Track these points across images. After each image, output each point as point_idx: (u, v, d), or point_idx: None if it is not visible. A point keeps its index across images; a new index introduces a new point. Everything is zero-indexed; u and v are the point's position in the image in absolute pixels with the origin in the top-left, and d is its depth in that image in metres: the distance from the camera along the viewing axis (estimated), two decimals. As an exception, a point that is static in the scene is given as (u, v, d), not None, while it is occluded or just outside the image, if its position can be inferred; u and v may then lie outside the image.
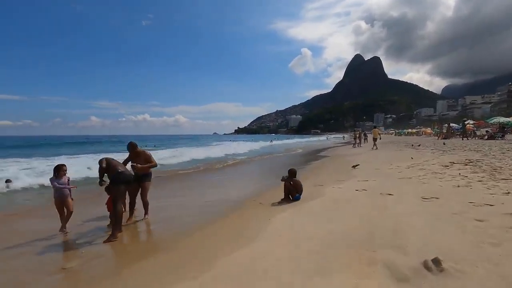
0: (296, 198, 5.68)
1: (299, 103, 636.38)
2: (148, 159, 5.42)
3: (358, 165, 9.75)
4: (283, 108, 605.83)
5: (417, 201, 4.45)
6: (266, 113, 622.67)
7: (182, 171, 12.37)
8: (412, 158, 10.54)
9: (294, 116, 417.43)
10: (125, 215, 5.50)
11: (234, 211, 5.38)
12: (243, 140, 67.35)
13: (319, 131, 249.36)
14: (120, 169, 4.56)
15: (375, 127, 23.22)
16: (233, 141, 65.40)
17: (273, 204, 5.56)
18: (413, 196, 4.77)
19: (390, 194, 5.07)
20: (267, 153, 24.23)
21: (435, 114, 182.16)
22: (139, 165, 5.23)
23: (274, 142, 50.83)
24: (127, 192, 4.97)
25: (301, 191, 5.76)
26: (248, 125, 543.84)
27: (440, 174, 6.48)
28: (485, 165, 7.08)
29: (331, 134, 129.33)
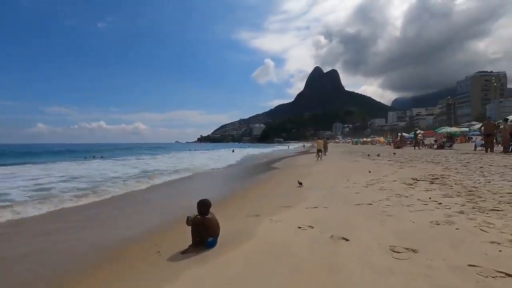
0: (209, 245, 3.70)
1: (262, 112, 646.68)
2: None
3: (301, 184, 8.07)
4: (246, 117, 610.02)
5: (386, 256, 2.75)
6: (230, 122, 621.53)
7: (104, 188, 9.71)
8: (370, 172, 9.28)
9: (258, 125, 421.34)
10: None
11: (102, 271, 3.25)
12: (206, 150, 64.45)
13: (281, 140, 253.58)
14: None
15: (319, 138, 22.89)
16: (191, 150, 62.30)
17: (171, 257, 3.52)
18: (378, 243, 3.09)
19: (345, 239, 3.34)
20: (218, 166, 22.09)
21: (386, 124, 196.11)
22: None
23: (236, 151, 49.11)
24: None
25: (217, 233, 3.82)
26: (212, 133, 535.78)
27: (406, 198, 5.01)
28: (455, 183, 5.83)
29: (293, 143, 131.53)
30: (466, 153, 14.11)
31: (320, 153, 18.74)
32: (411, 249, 2.83)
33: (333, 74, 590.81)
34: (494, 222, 3.28)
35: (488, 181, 5.79)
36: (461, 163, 9.49)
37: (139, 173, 15.49)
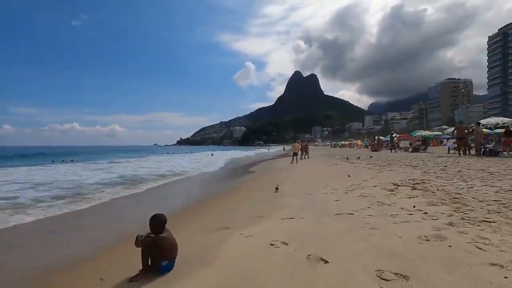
0: (163, 270, 3.06)
1: (243, 115, 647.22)
2: None
3: (277, 189, 7.65)
4: (227, 120, 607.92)
5: (373, 285, 2.26)
6: (210, 124, 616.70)
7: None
8: (349, 176, 8.97)
9: (238, 127, 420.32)
10: None
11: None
12: (185, 153, 62.72)
13: (262, 143, 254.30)
14: None
15: (295, 141, 22.95)
16: (170, 153, 60.57)
17: (115, 287, 2.86)
18: (362, 266, 2.60)
19: (324, 260, 2.83)
20: (197, 170, 21.25)
21: (363, 128, 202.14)
22: None
23: (216, 154, 48.35)
24: None
25: (174, 255, 3.18)
26: (192, 135, 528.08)
27: (389, 207, 4.62)
28: (437, 189, 5.55)
29: (274, 146, 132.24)
30: (441, 156, 14.31)
31: (295, 156, 18.48)
32: (401, 275, 2.35)
33: (313, 78, 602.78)
34: (489, 237, 2.90)
35: (470, 186, 5.56)
36: (438, 166, 9.42)
37: (108, 179, 14.34)
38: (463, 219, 3.54)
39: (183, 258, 3.27)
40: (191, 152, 64.40)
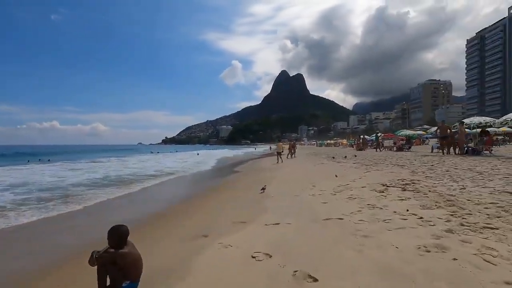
0: (125, 292, 2.58)
1: (229, 113, 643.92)
2: None
3: (264, 189, 7.32)
4: (213, 118, 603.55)
5: (371, 313, 1.88)
6: (196, 123, 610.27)
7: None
8: (336, 176, 8.69)
9: (225, 126, 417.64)
10: None
11: None
12: (170, 152, 61.39)
13: (249, 142, 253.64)
14: None
15: (279, 140, 22.90)
16: (154, 152, 59.20)
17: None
18: (357, 286, 2.22)
19: (312, 278, 2.43)
20: (177, 170, 20.59)
21: (348, 127, 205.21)
22: None
23: (202, 153, 47.68)
24: None
25: (138, 273, 2.70)
26: (177, 135, 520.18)
27: (380, 210, 4.29)
28: (429, 190, 5.29)
29: (260, 145, 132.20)
30: (426, 155, 14.36)
31: (280, 156, 18.36)
32: (404, 298, 1.99)
33: (299, 78, 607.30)
34: (496, 247, 2.59)
35: (462, 187, 5.34)
36: (425, 166, 9.29)
37: (87, 180, 13.50)
38: (463, 225, 3.24)
39: (151, 273, 2.82)
40: (176, 152, 63.12)
